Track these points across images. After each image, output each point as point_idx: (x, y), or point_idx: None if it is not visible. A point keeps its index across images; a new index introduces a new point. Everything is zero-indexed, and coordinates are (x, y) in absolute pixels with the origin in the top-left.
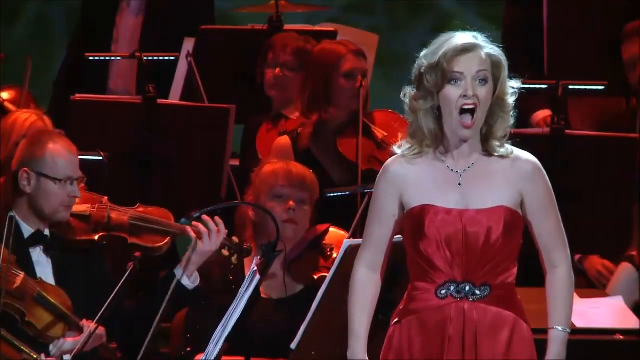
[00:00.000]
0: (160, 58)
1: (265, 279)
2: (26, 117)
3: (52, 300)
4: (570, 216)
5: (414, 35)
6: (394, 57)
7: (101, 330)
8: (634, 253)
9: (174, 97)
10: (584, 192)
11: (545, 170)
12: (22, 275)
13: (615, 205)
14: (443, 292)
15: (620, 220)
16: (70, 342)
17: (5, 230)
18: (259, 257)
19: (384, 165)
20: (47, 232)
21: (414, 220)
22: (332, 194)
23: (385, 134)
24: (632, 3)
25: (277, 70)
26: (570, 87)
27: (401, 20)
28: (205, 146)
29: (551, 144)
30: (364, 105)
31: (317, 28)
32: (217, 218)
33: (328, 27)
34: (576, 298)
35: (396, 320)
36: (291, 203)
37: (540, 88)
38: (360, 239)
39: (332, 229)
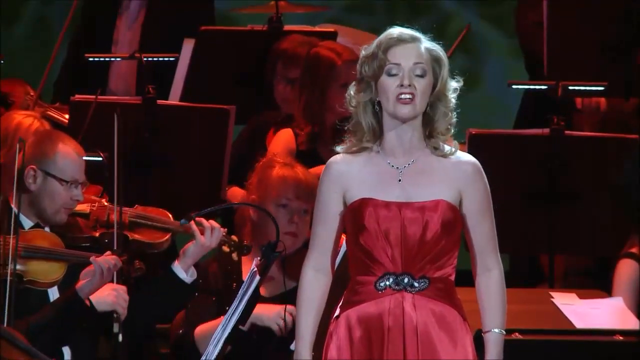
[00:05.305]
0: (160, 59)
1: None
2: (30, 122)
3: (41, 246)
4: (569, 216)
5: None
6: None
7: (112, 259)
8: (634, 250)
9: (174, 98)
10: (583, 192)
11: (545, 170)
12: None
13: (614, 206)
14: (382, 284)
15: (620, 220)
16: (87, 283)
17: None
18: (258, 258)
19: (326, 164)
20: (47, 229)
21: (354, 214)
22: None
23: None
24: (632, 3)
25: (288, 87)
26: (570, 87)
27: (401, 20)
28: (205, 146)
29: (551, 144)
30: None
31: (317, 29)
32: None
33: (328, 28)
34: (576, 298)
35: (337, 314)
36: (295, 218)
37: (540, 88)
38: None
39: None
